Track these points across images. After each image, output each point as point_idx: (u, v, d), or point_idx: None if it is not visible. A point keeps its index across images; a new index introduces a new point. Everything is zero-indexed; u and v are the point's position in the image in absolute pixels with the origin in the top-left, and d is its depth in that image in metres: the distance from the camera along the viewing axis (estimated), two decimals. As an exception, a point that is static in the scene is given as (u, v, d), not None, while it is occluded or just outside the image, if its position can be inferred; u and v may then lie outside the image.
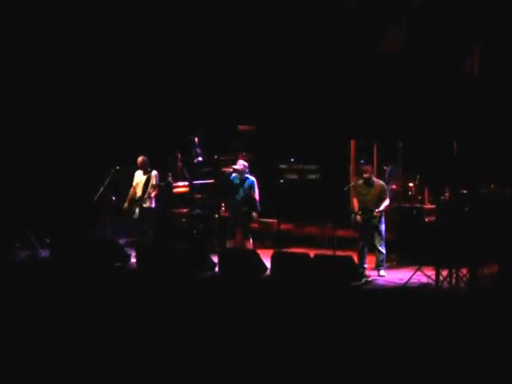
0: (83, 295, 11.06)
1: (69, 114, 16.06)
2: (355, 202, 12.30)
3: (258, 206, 13.06)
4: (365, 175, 12.21)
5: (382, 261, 12.18)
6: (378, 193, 12.17)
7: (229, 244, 13.27)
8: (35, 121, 15.75)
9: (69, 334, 9.13)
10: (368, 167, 12.44)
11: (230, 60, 15.57)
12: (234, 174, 13.32)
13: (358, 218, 12.15)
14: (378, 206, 12.05)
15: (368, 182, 12.20)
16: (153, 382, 7.81)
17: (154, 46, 15.80)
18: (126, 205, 13.79)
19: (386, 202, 12.16)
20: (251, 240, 13.21)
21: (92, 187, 14.03)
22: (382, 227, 12.17)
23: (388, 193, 12.34)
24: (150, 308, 10.04)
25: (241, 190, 13.17)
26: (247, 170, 13.26)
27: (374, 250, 12.24)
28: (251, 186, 13.12)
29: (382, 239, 12.15)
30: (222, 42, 15.51)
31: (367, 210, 12.09)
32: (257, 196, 13.10)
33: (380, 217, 12.13)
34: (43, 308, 10.35)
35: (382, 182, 12.42)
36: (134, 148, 14.61)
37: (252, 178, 13.21)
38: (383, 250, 12.15)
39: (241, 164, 13.26)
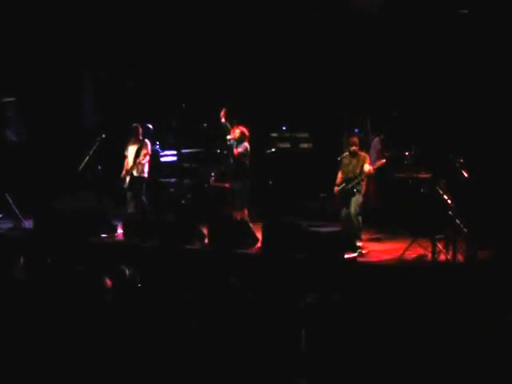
0: (67, 267, 10.75)
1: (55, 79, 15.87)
2: (339, 175, 12.04)
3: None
4: (352, 147, 11.94)
5: (358, 231, 11.82)
6: (359, 162, 11.89)
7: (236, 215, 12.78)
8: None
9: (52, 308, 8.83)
10: (355, 139, 12.11)
11: (219, 32, 15.14)
12: (232, 142, 12.89)
13: (336, 189, 11.96)
14: (360, 174, 11.77)
15: (353, 154, 11.97)
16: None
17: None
18: (123, 173, 13.44)
19: (366, 168, 11.78)
20: (246, 210, 12.85)
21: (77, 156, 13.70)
22: (360, 198, 11.85)
23: (368, 161, 11.95)
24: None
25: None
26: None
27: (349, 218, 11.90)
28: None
29: (356, 209, 11.81)
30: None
31: (349, 179, 11.84)
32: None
33: (359, 186, 11.85)
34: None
35: (364, 153, 12.17)
36: (124, 116, 14.32)
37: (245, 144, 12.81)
38: (358, 221, 11.81)
39: (238, 132, 12.82)
